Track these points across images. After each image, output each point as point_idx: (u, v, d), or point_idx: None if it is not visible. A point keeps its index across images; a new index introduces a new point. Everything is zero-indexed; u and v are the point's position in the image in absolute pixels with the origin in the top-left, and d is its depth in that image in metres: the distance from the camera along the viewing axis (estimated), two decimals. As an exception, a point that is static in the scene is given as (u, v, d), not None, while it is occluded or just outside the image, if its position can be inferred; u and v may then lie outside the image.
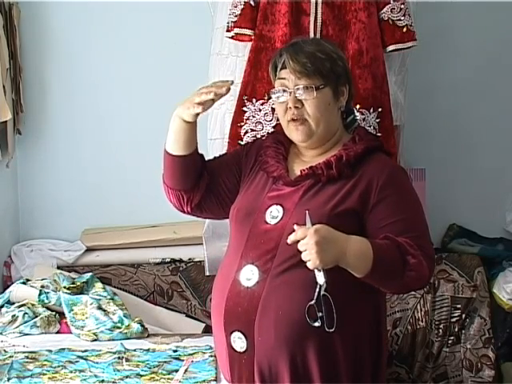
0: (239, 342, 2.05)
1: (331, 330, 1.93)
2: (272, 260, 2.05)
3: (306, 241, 1.88)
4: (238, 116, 2.73)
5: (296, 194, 2.10)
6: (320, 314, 1.93)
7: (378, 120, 2.68)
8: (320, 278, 1.91)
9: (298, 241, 1.90)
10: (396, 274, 1.98)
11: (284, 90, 2.14)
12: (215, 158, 2.41)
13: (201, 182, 2.27)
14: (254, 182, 2.23)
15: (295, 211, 2.07)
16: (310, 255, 1.87)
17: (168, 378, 2.56)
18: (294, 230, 1.92)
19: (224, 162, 2.34)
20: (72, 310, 2.99)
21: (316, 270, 1.90)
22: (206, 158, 2.36)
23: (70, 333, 2.93)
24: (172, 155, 2.22)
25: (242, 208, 2.18)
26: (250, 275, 2.06)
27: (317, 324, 1.94)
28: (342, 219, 2.03)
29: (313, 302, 1.94)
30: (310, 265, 1.89)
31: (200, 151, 2.32)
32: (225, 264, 2.18)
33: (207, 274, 3.10)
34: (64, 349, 2.77)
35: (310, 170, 2.12)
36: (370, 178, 2.08)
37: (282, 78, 2.15)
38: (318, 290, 1.93)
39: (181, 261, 3.44)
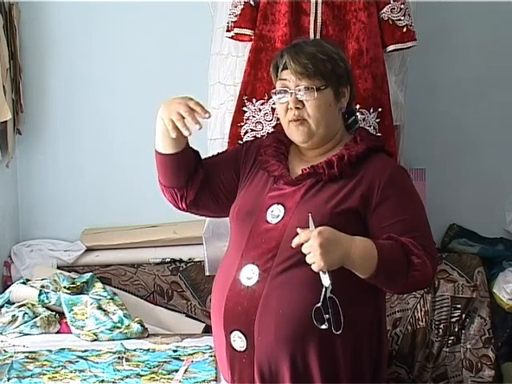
0: (239, 341, 2.05)
1: (338, 332, 1.92)
2: (272, 259, 2.04)
3: (310, 243, 1.87)
4: (238, 116, 2.73)
5: (297, 193, 2.10)
6: (327, 316, 1.92)
7: (377, 120, 2.68)
8: (325, 280, 1.89)
9: (302, 244, 1.89)
10: (400, 274, 1.98)
11: (285, 91, 2.14)
12: (214, 155, 2.40)
13: (194, 179, 2.25)
14: (254, 181, 2.22)
15: (296, 210, 2.06)
16: (314, 257, 1.87)
17: (168, 378, 2.57)
18: (297, 234, 1.91)
19: (222, 159, 2.33)
20: (72, 310, 2.99)
21: (321, 273, 1.89)
22: (207, 156, 2.36)
23: (70, 333, 2.93)
24: (161, 154, 2.21)
25: (242, 207, 2.18)
26: (250, 274, 2.05)
27: (324, 326, 1.93)
28: (343, 218, 2.03)
29: (319, 305, 1.93)
30: (314, 267, 1.88)
31: (200, 151, 2.32)
32: (225, 263, 2.17)
33: (207, 274, 3.09)
34: (64, 349, 2.77)
35: (312, 169, 2.12)
36: (371, 178, 2.08)
37: (283, 79, 2.15)
38: (323, 292, 1.92)
39: (181, 261, 3.44)
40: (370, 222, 2.06)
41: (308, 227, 1.93)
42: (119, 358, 2.71)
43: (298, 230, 1.92)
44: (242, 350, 2.06)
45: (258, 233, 2.09)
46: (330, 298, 1.91)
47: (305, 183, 2.11)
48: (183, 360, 2.69)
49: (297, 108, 2.12)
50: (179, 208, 2.32)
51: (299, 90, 2.11)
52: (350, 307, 1.98)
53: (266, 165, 2.20)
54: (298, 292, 2.00)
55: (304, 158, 2.21)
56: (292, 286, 2.01)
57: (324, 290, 1.91)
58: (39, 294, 3.06)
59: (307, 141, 2.16)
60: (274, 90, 2.19)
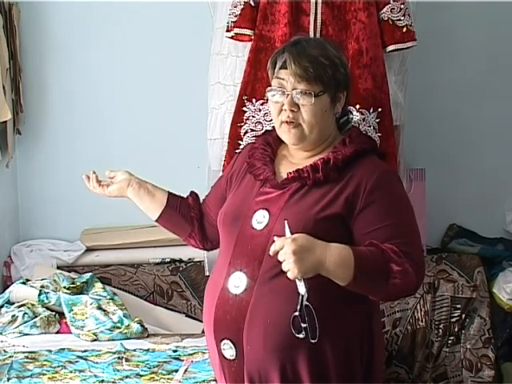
0: (229, 349, 2.02)
1: (314, 341, 1.88)
2: (259, 267, 1.99)
3: (284, 250, 1.83)
4: (238, 116, 2.73)
5: (282, 198, 2.05)
6: (304, 324, 1.89)
7: (377, 120, 2.68)
8: (301, 288, 1.85)
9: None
10: (379, 282, 1.92)
11: (281, 91, 2.07)
12: (209, 192, 2.38)
13: (193, 225, 2.32)
14: (241, 184, 2.17)
15: (281, 216, 2.00)
16: (288, 265, 1.83)
17: (168, 378, 2.57)
18: (274, 241, 1.87)
19: (215, 196, 2.32)
20: (72, 310, 2.99)
21: (297, 280, 1.85)
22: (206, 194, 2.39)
23: (70, 333, 2.93)
24: (156, 220, 2.36)
25: (229, 212, 2.13)
26: (237, 282, 2.01)
27: (301, 336, 1.90)
28: (327, 224, 1.98)
29: (297, 313, 1.89)
30: (289, 275, 1.83)
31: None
32: (215, 270, 2.14)
33: (207, 274, 3.10)
34: (64, 349, 2.77)
35: (297, 173, 2.06)
36: (358, 182, 2.02)
37: (281, 78, 2.08)
38: (300, 300, 1.88)
39: (181, 261, 3.44)
40: (354, 227, 2.00)
41: (285, 235, 1.88)
42: (119, 358, 2.71)
43: (275, 238, 1.88)
44: (232, 358, 2.03)
45: (244, 239, 2.04)
46: (306, 306, 1.87)
47: (290, 187, 2.05)
48: (183, 360, 2.70)
49: (292, 110, 2.06)
50: (206, 249, 2.42)
51: (296, 93, 2.05)
52: (338, 314, 1.95)
53: (253, 168, 2.15)
54: (285, 300, 1.95)
55: (292, 160, 2.15)
56: (279, 294, 1.96)
57: (300, 298, 1.88)
58: (39, 294, 3.06)
59: (298, 144, 2.10)
60: (269, 88, 2.11)
